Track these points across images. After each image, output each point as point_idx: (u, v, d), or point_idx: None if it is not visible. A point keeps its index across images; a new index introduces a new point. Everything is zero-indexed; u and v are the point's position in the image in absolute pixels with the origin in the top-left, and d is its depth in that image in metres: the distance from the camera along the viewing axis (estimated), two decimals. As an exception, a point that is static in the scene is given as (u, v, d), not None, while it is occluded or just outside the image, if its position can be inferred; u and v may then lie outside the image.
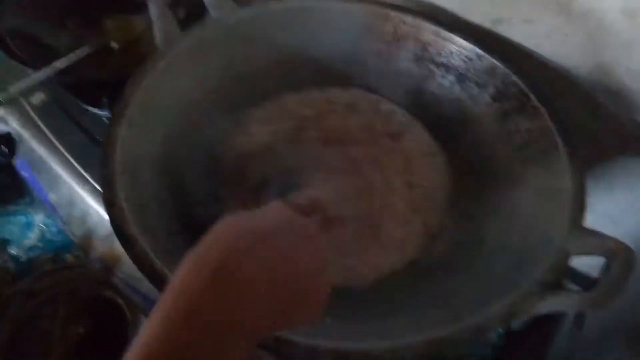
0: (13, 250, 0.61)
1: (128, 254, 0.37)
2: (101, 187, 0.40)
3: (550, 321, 0.64)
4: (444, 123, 0.52)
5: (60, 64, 0.54)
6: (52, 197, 0.58)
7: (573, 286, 0.60)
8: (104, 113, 0.59)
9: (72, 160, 0.56)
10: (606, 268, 0.34)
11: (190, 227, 0.44)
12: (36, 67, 0.54)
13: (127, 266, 0.54)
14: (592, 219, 0.53)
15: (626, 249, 0.34)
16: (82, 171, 0.55)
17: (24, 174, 0.60)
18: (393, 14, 0.52)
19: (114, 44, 0.62)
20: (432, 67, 0.53)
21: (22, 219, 0.64)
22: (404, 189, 0.49)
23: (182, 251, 0.40)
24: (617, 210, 0.53)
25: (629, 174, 0.50)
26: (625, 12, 0.42)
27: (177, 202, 0.44)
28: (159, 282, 0.35)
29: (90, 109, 0.60)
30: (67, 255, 0.61)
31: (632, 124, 0.47)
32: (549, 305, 0.34)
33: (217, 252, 0.25)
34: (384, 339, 0.33)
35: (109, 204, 0.39)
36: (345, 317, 0.39)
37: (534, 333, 0.68)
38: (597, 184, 0.52)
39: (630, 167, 0.49)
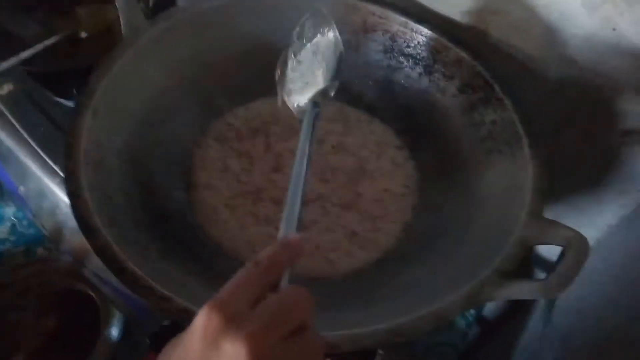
0: (-17, 244, 0.61)
1: (91, 246, 0.36)
2: (64, 178, 0.39)
3: (523, 309, 0.65)
4: (412, 114, 0.52)
5: (26, 53, 0.53)
6: (22, 189, 0.57)
7: (543, 274, 0.62)
8: (73, 104, 0.59)
9: (40, 152, 0.55)
10: (561, 257, 0.35)
11: (157, 218, 0.44)
12: (2, 57, 0.54)
13: (98, 258, 0.54)
14: (559, 209, 0.55)
15: (581, 238, 0.35)
16: (51, 163, 0.54)
17: (-7, 166, 0.59)
18: (362, 4, 0.52)
19: (84, 34, 0.62)
20: (400, 58, 0.53)
21: (-8, 211, 0.63)
22: (373, 185, 0.50)
23: (148, 242, 0.41)
24: (582, 200, 0.54)
25: (594, 164, 0.51)
26: (586, 5, 0.42)
27: (144, 193, 0.44)
28: (122, 274, 0.35)
29: (60, 100, 0.59)
30: (39, 249, 0.61)
31: (596, 116, 0.48)
32: (507, 293, 0.35)
33: None
34: (343, 328, 0.34)
35: (72, 195, 0.39)
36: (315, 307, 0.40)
37: (506, 320, 0.70)
38: (563, 174, 0.53)
39: (595, 157, 0.50)
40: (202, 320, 0.22)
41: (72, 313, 0.55)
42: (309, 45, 0.43)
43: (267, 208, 0.48)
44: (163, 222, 0.44)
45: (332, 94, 0.42)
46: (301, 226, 0.29)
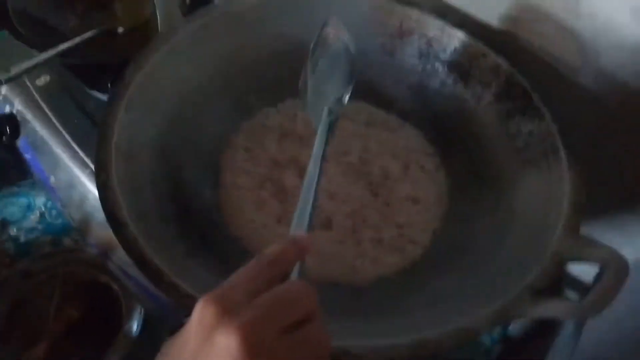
0: (13, 232, 0.62)
1: (118, 239, 0.37)
2: (95, 169, 0.40)
3: (549, 329, 0.63)
4: (445, 121, 0.51)
5: (63, 46, 0.54)
6: (53, 179, 0.58)
7: (572, 293, 0.60)
8: (107, 97, 0.59)
9: (73, 143, 0.56)
10: (599, 277, 0.34)
11: (184, 214, 0.44)
12: (42, 49, 0.54)
13: (123, 252, 0.54)
14: (597, 226, 0.53)
15: (619, 258, 0.33)
16: (83, 155, 0.55)
17: (27, 155, 0.60)
18: (399, 7, 0.52)
19: (121, 28, 0.62)
20: (436, 63, 0.52)
21: (23, 200, 0.64)
22: (401, 193, 0.49)
23: (174, 239, 0.41)
24: (621, 217, 0.52)
25: (634, 180, 0.49)
26: (635, 13, 0.41)
27: (172, 189, 0.44)
28: (147, 268, 0.35)
29: (95, 93, 0.60)
30: (66, 239, 0.61)
31: (638, 130, 0.46)
32: (538, 311, 0.34)
33: None
34: (365, 337, 0.33)
35: (102, 187, 0.39)
36: (334, 313, 0.39)
37: (532, 340, 0.68)
38: (603, 191, 0.51)
39: (636, 173, 0.48)
40: (198, 313, 0.22)
41: (95, 304, 0.55)
42: (324, 54, 0.44)
43: (293, 209, 0.47)
44: (190, 218, 0.44)
45: (346, 99, 0.43)
46: (312, 227, 0.31)
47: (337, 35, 0.45)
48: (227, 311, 0.22)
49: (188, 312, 0.34)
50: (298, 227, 0.30)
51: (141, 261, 0.35)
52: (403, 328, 0.35)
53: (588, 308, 0.32)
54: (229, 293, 0.23)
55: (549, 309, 0.34)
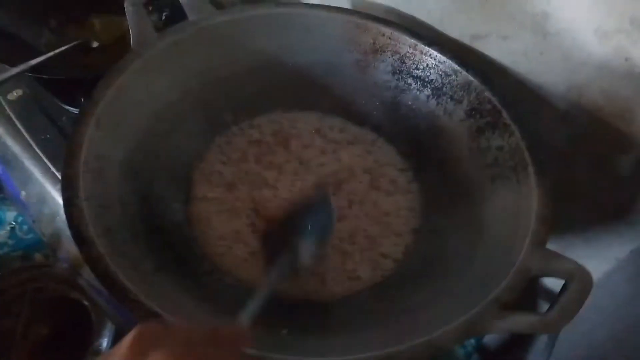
0: (-18, 247, 0.61)
1: (82, 255, 0.36)
2: (62, 185, 0.39)
3: (524, 339, 0.64)
4: (417, 136, 0.52)
5: (36, 60, 0.54)
6: (24, 194, 0.57)
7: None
8: (79, 112, 0.59)
9: (44, 158, 0.55)
10: (563, 290, 0.34)
11: (153, 230, 0.43)
12: (13, 64, 0.54)
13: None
14: (566, 240, 0.53)
15: (584, 272, 0.34)
16: (54, 170, 0.55)
17: (-2, 170, 0.60)
18: (372, 25, 0.52)
19: (95, 43, 0.62)
20: (409, 80, 0.52)
21: (-6, 215, 0.64)
22: (373, 207, 0.49)
23: (143, 254, 0.40)
24: (590, 231, 0.52)
25: (602, 195, 0.50)
26: (598, 34, 0.42)
27: (142, 205, 0.44)
28: (111, 285, 0.35)
29: (68, 107, 0.60)
30: (37, 255, 0.61)
31: (606, 145, 0.47)
32: (504, 325, 0.34)
33: None
34: (334, 354, 0.33)
35: (68, 203, 0.38)
36: (304, 330, 0.39)
37: (508, 351, 0.68)
38: (571, 204, 0.52)
39: (604, 188, 0.49)
40: (135, 332, 0.23)
41: (64, 321, 0.54)
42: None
43: (262, 224, 0.47)
44: (159, 234, 0.43)
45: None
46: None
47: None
48: (167, 335, 0.23)
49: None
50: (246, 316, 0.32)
51: (106, 278, 0.35)
52: (372, 343, 0.34)
53: (552, 321, 0.32)
54: (169, 327, 0.24)
55: (515, 322, 0.34)
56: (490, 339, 0.68)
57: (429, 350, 0.33)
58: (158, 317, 0.33)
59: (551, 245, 0.38)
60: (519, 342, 0.65)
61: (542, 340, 0.58)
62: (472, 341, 0.64)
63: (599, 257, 0.50)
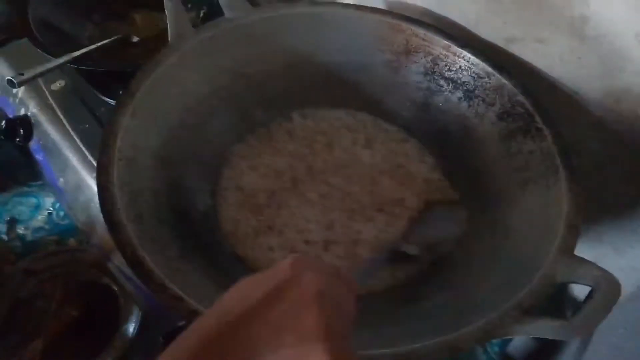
0: (21, 230, 0.63)
1: (112, 238, 0.37)
2: (97, 172, 0.41)
3: (550, 350, 0.62)
4: (447, 138, 0.51)
5: (78, 52, 0.56)
6: (61, 181, 0.60)
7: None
8: (117, 103, 0.61)
9: (82, 147, 0.57)
10: (589, 297, 0.33)
11: (182, 218, 0.44)
12: (57, 55, 0.56)
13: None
14: (597, 249, 0.52)
15: (611, 280, 0.33)
16: (91, 158, 0.56)
17: (38, 157, 0.62)
18: (406, 25, 0.52)
19: (135, 38, 0.64)
20: (441, 81, 0.52)
21: (32, 200, 0.66)
22: (404, 205, 0.49)
23: (169, 241, 0.41)
24: (623, 242, 0.51)
25: (635, 206, 0.48)
26: (639, 37, 0.40)
27: (172, 194, 0.45)
28: (138, 268, 0.36)
29: (107, 99, 0.62)
30: (71, 240, 0.63)
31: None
32: (526, 329, 0.33)
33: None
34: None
35: (102, 189, 0.40)
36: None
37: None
38: (603, 213, 0.50)
39: (636, 198, 0.48)
40: (293, 258, 0.26)
41: (94, 305, 0.56)
42: None
43: (284, 219, 0.47)
44: (187, 223, 0.44)
45: None
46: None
47: None
48: (316, 263, 0.27)
49: (176, 314, 0.34)
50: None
51: (133, 261, 0.36)
52: (388, 339, 0.34)
53: (576, 328, 0.31)
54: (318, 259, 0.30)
55: (537, 327, 0.33)
56: (515, 346, 0.67)
57: (446, 351, 0.33)
58: (182, 301, 0.34)
59: (582, 255, 0.37)
60: (546, 351, 0.63)
61: (569, 354, 0.56)
62: (496, 349, 0.63)
63: (630, 270, 0.49)
